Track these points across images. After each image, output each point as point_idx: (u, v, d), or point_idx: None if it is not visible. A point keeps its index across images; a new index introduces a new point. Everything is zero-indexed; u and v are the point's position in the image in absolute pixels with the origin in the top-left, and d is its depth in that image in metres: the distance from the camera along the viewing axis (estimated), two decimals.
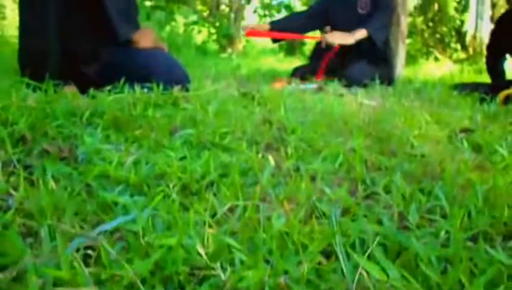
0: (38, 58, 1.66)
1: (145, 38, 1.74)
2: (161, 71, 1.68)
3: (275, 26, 2.94)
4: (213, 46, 9.05)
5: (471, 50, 6.83)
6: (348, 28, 2.81)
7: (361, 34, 2.62)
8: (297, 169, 0.88)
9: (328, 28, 3.15)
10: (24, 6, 1.71)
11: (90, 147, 0.89)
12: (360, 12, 2.78)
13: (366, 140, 1.08)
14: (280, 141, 1.04)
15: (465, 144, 1.10)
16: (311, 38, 2.95)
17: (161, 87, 1.51)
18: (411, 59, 7.12)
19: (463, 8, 7.44)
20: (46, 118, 1.22)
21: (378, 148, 1.02)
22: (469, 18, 7.11)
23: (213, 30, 8.67)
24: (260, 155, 0.91)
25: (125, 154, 0.88)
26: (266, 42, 13.19)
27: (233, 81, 2.50)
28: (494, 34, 2.76)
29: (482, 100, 2.07)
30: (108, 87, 1.40)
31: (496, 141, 1.20)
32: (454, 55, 6.83)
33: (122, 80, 1.51)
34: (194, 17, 10.29)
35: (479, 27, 6.64)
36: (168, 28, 10.11)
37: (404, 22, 4.26)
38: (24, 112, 1.23)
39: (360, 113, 1.39)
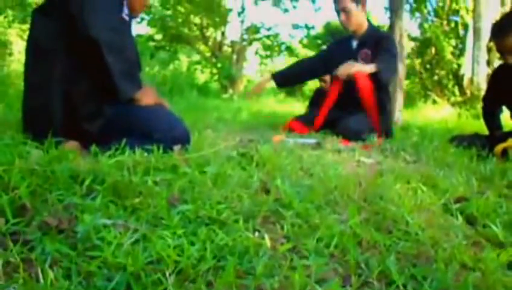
0: (42, 115, 1.70)
1: (147, 96, 1.78)
2: (163, 128, 1.71)
3: (278, 77, 3.01)
4: (215, 86, 9.22)
5: (468, 93, 6.93)
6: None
7: (370, 68, 2.62)
8: (294, 248, 0.89)
9: (327, 78, 3.22)
10: (29, 64, 1.76)
11: (89, 224, 0.91)
12: (362, 62, 2.84)
13: (362, 213, 1.10)
14: (277, 214, 1.05)
15: (460, 218, 1.11)
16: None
17: (161, 149, 1.55)
18: (410, 101, 7.23)
19: (459, 53, 7.61)
20: (47, 181, 1.25)
21: (374, 223, 1.04)
22: (465, 62, 7.25)
23: (215, 71, 8.86)
24: (257, 234, 0.92)
25: (124, 232, 0.90)
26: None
27: (233, 135, 2.55)
28: (489, 87, 2.81)
29: (479, 156, 2.10)
30: (109, 152, 1.42)
31: (491, 210, 1.22)
32: (452, 98, 6.92)
33: (124, 141, 1.54)
34: (197, 57, 10.54)
35: (476, 71, 6.75)
36: (171, 66, 10.34)
37: (401, 67, 4.36)
38: (26, 175, 1.25)
39: (357, 178, 1.41)
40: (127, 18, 1.79)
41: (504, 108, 2.85)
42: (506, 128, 2.93)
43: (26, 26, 10.45)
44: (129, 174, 1.25)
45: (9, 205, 1.07)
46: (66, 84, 1.66)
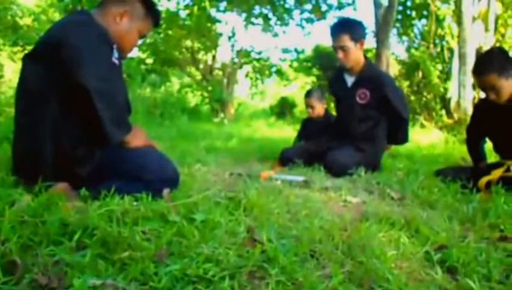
0: (32, 159, 1.71)
1: (136, 138, 1.81)
2: (152, 169, 1.74)
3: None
4: (206, 109, 9.28)
5: (456, 116, 7.04)
6: (349, 117, 2.94)
7: None
8: None
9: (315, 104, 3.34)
10: (20, 108, 1.78)
11: (79, 288, 0.93)
12: (360, 102, 2.88)
13: (345, 265, 1.13)
14: (262, 270, 1.08)
15: (440, 271, 1.15)
16: None
17: (151, 192, 1.58)
18: None
19: (446, 76, 7.76)
20: (37, 233, 1.26)
21: (356, 278, 1.07)
22: (452, 86, 7.39)
23: (206, 94, 8.93)
24: None
25: None
26: (257, 103, 13.50)
27: (223, 167, 2.58)
28: (472, 119, 2.88)
29: (463, 193, 2.15)
30: (99, 201, 1.45)
31: (472, 258, 1.26)
32: (440, 122, 7.03)
33: (113, 186, 1.57)
34: (188, 79, 10.62)
35: (462, 95, 6.88)
36: (162, 88, 10.40)
37: None
38: (16, 226, 1.27)
39: (342, 223, 1.45)
40: (117, 62, 1.82)
41: (487, 140, 2.92)
42: (490, 158, 3.00)
43: (18, 49, 10.51)
44: (118, 226, 1.27)
45: (0, 260, 1.09)
46: (56, 128, 1.68)
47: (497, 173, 2.45)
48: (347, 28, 2.81)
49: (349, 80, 2.95)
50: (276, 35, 9.23)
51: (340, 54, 2.80)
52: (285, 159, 2.89)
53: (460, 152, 4.42)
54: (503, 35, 7.58)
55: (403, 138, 3.20)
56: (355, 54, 2.82)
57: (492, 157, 2.99)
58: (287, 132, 6.29)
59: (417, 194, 2.05)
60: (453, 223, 1.58)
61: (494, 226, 1.61)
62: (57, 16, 10.50)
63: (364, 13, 15.61)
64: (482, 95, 2.73)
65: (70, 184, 1.73)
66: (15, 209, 1.38)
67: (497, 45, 7.59)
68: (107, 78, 1.67)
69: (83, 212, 1.38)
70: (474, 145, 2.91)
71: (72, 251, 1.17)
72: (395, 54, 9.39)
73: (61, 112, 1.68)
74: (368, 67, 2.93)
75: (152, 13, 1.97)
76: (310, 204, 1.68)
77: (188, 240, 1.22)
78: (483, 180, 2.43)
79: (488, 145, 2.86)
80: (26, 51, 10.02)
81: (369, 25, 9.97)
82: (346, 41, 2.77)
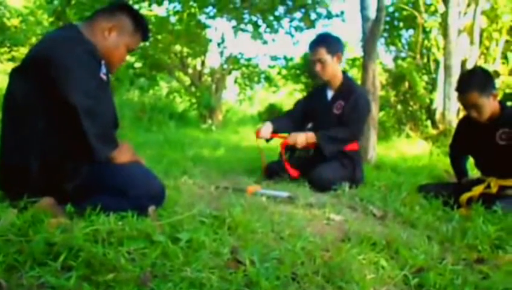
0: (18, 174, 1.71)
1: (123, 154, 1.81)
2: (138, 185, 1.75)
3: (276, 125, 3.10)
4: (194, 114, 9.28)
5: (441, 127, 7.13)
6: (326, 127, 2.96)
7: (311, 137, 2.83)
8: None
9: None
10: (6, 122, 1.78)
11: None
12: (336, 113, 2.94)
13: None
14: None
15: None
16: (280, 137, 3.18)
17: (137, 206, 1.60)
18: (385, 133, 7.43)
19: (431, 88, 7.88)
20: (22, 252, 1.27)
21: None
22: (437, 97, 7.50)
23: (194, 100, 8.93)
24: None
25: None
26: (246, 109, 13.56)
27: (210, 180, 2.60)
28: (455, 136, 2.94)
29: (444, 210, 2.20)
30: (84, 219, 1.46)
31: (448, 281, 1.30)
32: (425, 133, 7.13)
33: (99, 203, 1.58)
34: (176, 84, 10.61)
35: (447, 106, 6.98)
36: (151, 92, 10.37)
37: (374, 105, 4.50)
38: (1, 245, 1.28)
39: (324, 243, 1.49)
40: (104, 77, 1.83)
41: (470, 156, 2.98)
42: (472, 170, 3.07)
43: (5, 50, 10.42)
44: (103, 246, 1.28)
45: None
46: (43, 143, 1.69)
47: (477, 190, 2.52)
48: (324, 42, 2.93)
49: (330, 94, 3.03)
50: (265, 42, 9.27)
51: (318, 67, 2.92)
52: (270, 172, 2.92)
53: (444, 164, 4.50)
54: (487, 48, 7.71)
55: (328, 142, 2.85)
56: (332, 67, 2.92)
57: (474, 171, 3.06)
58: (275, 141, 6.32)
59: (399, 211, 2.09)
60: (432, 243, 1.62)
61: (472, 247, 1.65)
62: (45, 18, 10.43)
63: (353, 25, 15.80)
64: None
65: (56, 199, 1.73)
66: (0, 227, 1.39)
67: (482, 57, 7.74)
68: (95, 95, 1.68)
69: (68, 231, 1.39)
70: (456, 161, 2.97)
71: (57, 272, 1.18)
72: (383, 63, 9.51)
73: (48, 127, 1.69)
74: (346, 81, 3.01)
75: (140, 28, 1.98)
76: (294, 223, 1.71)
77: (172, 262, 1.24)
78: (465, 196, 2.49)
79: (471, 160, 2.93)
80: (13, 52, 9.90)
81: (358, 36, 10.11)
82: (323, 54, 2.89)
